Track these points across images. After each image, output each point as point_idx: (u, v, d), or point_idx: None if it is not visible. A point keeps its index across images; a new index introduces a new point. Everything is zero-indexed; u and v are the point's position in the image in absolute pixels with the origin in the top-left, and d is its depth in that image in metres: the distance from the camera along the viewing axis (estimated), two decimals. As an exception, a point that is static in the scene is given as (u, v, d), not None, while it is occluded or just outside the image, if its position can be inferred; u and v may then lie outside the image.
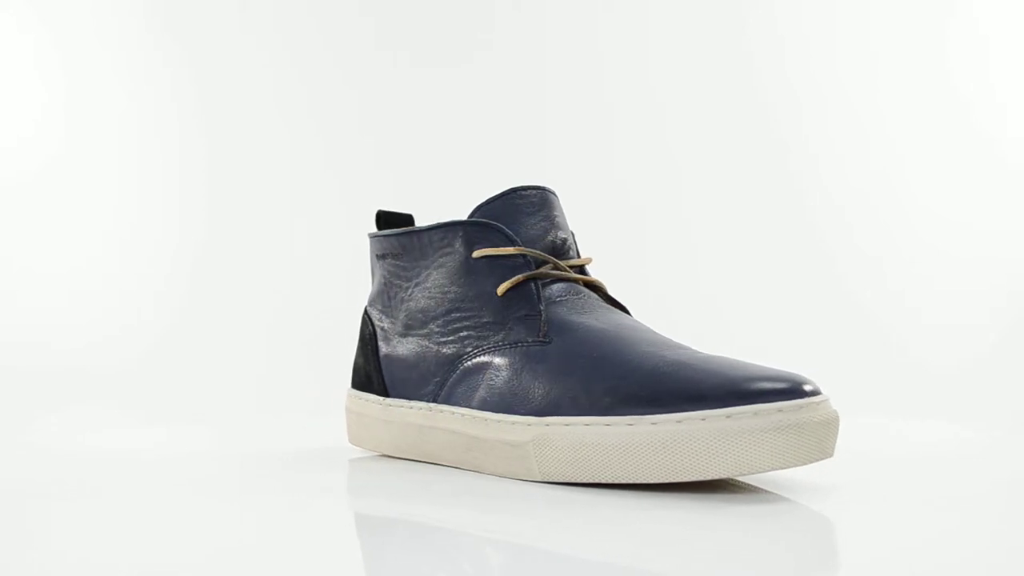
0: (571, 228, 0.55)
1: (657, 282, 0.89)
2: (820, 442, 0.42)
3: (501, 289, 0.50)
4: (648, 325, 0.51)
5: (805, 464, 0.42)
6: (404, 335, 0.54)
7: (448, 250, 0.52)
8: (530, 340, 0.48)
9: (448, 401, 0.51)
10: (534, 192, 0.52)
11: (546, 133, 1.15)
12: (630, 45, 1.18)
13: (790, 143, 1.16)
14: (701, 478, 0.42)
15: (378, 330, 0.56)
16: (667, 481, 0.43)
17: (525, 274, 0.49)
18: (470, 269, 0.51)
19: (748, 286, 1.08)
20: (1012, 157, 1.14)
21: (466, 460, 0.50)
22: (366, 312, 0.58)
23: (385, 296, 0.56)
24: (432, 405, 0.52)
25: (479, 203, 0.52)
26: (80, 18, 1.16)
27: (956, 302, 1.06)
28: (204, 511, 0.43)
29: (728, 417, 0.41)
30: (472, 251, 0.51)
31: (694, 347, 0.48)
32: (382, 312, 0.56)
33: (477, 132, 1.14)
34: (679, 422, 0.42)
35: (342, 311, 1.06)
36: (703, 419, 0.41)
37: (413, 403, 0.53)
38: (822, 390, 0.43)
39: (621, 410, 0.44)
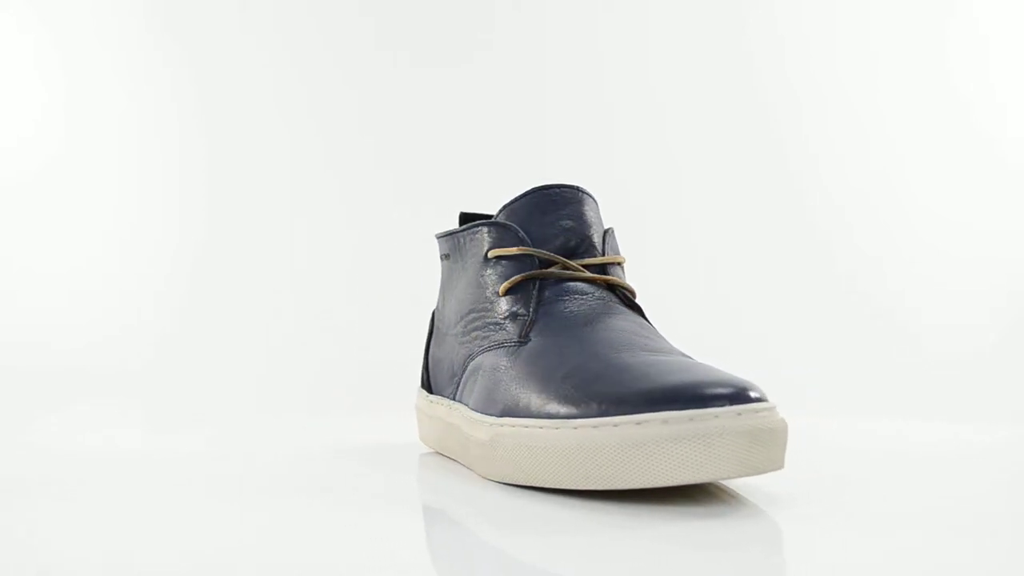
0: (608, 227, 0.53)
1: (655, 282, 0.89)
2: (744, 455, 0.38)
3: (501, 289, 0.50)
4: (658, 331, 0.49)
5: (727, 479, 0.38)
6: (445, 334, 0.55)
7: (475, 251, 0.52)
8: (514, 340, 0.48)
9: (460, 399, 0.52)
10: (556, 191, 0.51)
11: (546, 133, 1.15)
12: (631, 45, 1.18)
13: (789, 143, 1.16)
14: (614, 487, 0.39)
15: (435, 330, 0.58)
16: (585, 488, 0.40)
17: (524, 274, 0.49)
18: (486, 269, 0.51)
19: (746, 287, 1.08)
20: (1012, 157, 1.14)
21: (464, 457, 0.51)
22: (432, 312, 0.59)
23: (442, 297, 0.57)
24: (451, 402, 0.53)
25: (506, 202, 0.52)
26: (80, 18, 1.16)
27: (956, 302, 1.06)
28: (206, 511, 0.43)
29: (638, 424, 0.38)
30: (489, 251, 0.51)
31: (692, 355, 0.46)
32: (439, 312, 0.57)
33: (479, 132, 1.14)
34: (595, 427, 0.40)
35: (340, 311, 1.06)
36: (615, 425, 0.39)
37: (443, 400, 0.54)
38: (767, 398, 0.40)
39: (555, 413, 0.42)
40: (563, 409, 0.42)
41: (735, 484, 0.44)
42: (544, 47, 1.18)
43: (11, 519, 0.42)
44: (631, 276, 0.54)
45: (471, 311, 0.52)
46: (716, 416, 0.38)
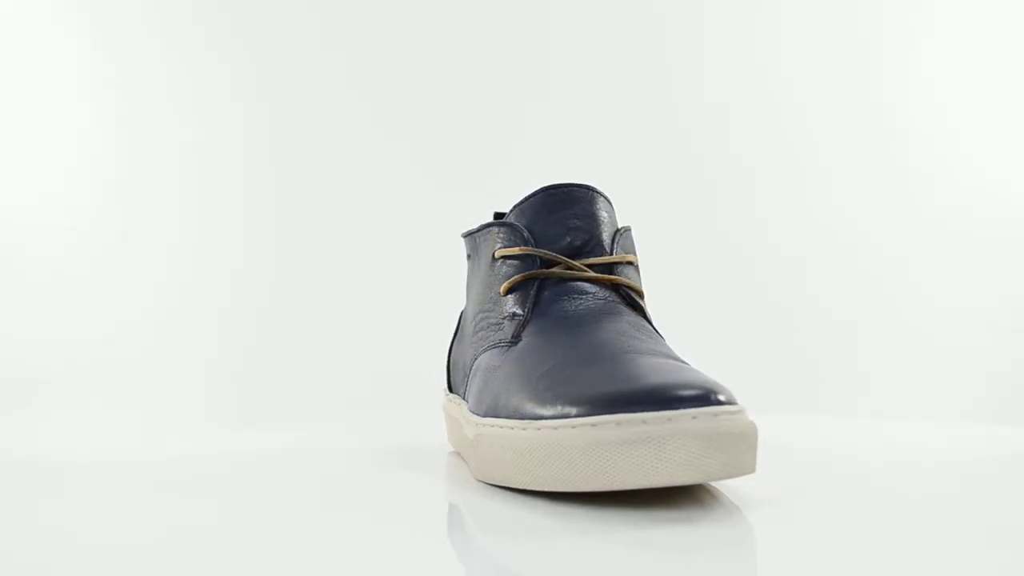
0: (622, 225, 0.52)
1: (683, 283, 0.88)
2: (697, 460, 0.36)
3: (502, 289, 0.50)
4: (656, 332, 0.48)
5: (682, 484, 0.37)
6: (464, 335, 0.56)
7: (487, 251, 0.52)
8: (508, 340, 0.48)
9: (466, 398, 0.52)
10: (564, 190, 0.50)
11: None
12: (650, 47, 1.18)
13: (797, 147, 1.16)
14: (574, 489, 0.38)
15: (459, 330, 0.58)
16: (550, 490, 0.40)
17: (523, 274, 0.49)
18: (492, 270, 0.51)
19: (752, 291, 1.08)
20: None
21: (465, 456, 0.51)
22: (460, 313, 0.60)
23: (466, 296, 0.57)
24: (461, 401, 0.53)
25: (516, 202, 0.52)
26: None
27: (937, 304, 1.06)
28: (206, 509, 0.44)
29: (593, 427, 0.37)
30: (496, 251, 0.51)
31: (688, 361, 0.45)
32: (464, 312, 0.58)
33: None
34: (555, 429, 0.39)
35: (338, 311, 1.06)
36: (573, 427, 0.38)
37: (456, 399, 0.55)
38: (735, 401, 0.38)
39: (526, 413, 0.41)
40: (533, 410, 0.41)
41: (720, 485, 0.43)
42: (545, 46, 1.18)
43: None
44: (655, 276, 0.54)
45: (480, 311, 0.52)
46: (669, 419, 0.36)
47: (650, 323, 0.49)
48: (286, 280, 1.10)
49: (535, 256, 0.49)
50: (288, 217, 1.14)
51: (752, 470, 0.39)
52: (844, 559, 0.33)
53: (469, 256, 0.56)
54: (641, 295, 0.50)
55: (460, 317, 0.59)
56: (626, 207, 0.62)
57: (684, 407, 0.37)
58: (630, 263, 0.51)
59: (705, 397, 0.37)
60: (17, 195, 1.13)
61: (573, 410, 0.39)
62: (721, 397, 0.38)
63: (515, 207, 0.51)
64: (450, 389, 0.58)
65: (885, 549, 0.34)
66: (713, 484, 0.43)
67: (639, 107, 1.16)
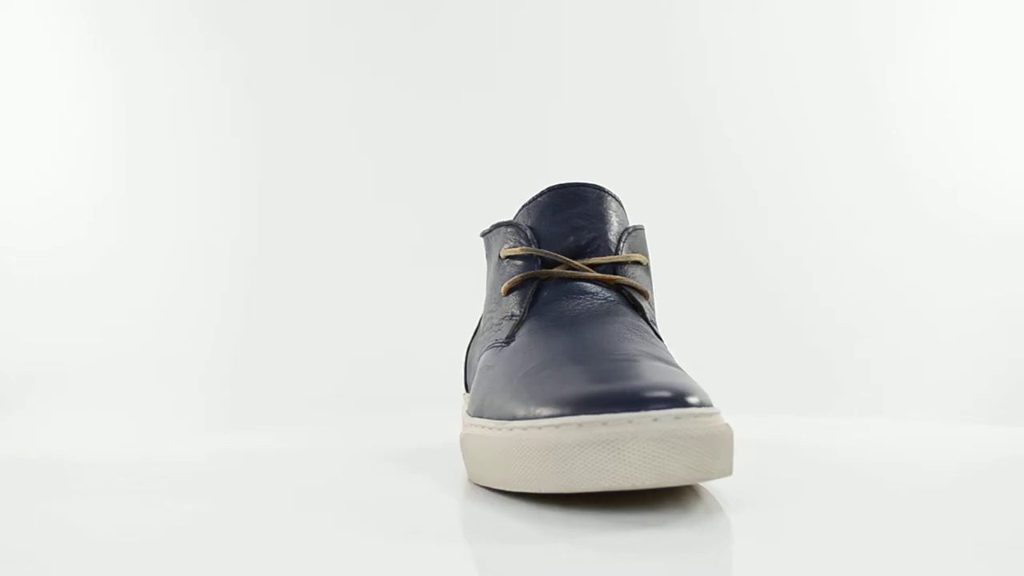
0: (632, 224, 0.52)
1: (702, 283, 0.88)
2: (658, 463, 0.35)
3: (504, 289, 0.50)
4: (652, 333, 0.47)
5: (644, 487, 0.35)
6: (478, 334, 0.56)
7: (496, 250, 0.53)
8: (503, 341, 0.48)
9: None
10: (570, 190, 0.50)
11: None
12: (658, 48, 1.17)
13: (798, 148, 1.15)
14: (535, 490, 0.38)
15: (477, 330, 0.59)
16: (518, 491, 0.39)
17: (523, 274, 0.49)
18: (499, 270, 0.51)
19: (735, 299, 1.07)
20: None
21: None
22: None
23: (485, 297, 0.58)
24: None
25: (524, 202, 0.52)
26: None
27: (916, 304, 1.05)
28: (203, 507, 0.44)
29: (556, 428, 0.37)
30: (501, 251, 0.51)
31: (679, 363, 0.44)
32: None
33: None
34: (524, 430, 0.38)
35: (353, 315, 1.06)
36: (539, 428, 0.38)
37: (467, 398, 0.55)
38: (708, 404, 0.37)
39: (505, 414, 0.41)
40: (511, 410, 0.41)
41: (708, 487, 0.42)
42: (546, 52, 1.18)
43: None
44: (663, 277, 0.53)
45: (487, 311, 0.52)
46: (629, 421, 0.35)
47: (650, 324, 0.48)
48: (291, 282, 1.10)
49: (537, 256, 0.49)
50: (294, 219, 1.14)
51: (726, 474, 0.38)
52: (829, 561, 0.31)
53: (488, 256, 0.56)
54: (645, 295, 0.49)
55: (481, 317, 0.59)
56: (640, 208, 0.61)
57: (649, 409, 0.35)
58: (637, 263, 0.50)
59: (673, 399, 0.36)
60: (15, 195, 1.13)
61: (543, 411, 0.38)
62: (691, 399, 0.36)
63: (523, 207, 0.51)
64: (466, 388, 0.58)
65: (877, 551, 0.33)
66: (703, 485, 0.42)
67: (653, 111, 1.16)
